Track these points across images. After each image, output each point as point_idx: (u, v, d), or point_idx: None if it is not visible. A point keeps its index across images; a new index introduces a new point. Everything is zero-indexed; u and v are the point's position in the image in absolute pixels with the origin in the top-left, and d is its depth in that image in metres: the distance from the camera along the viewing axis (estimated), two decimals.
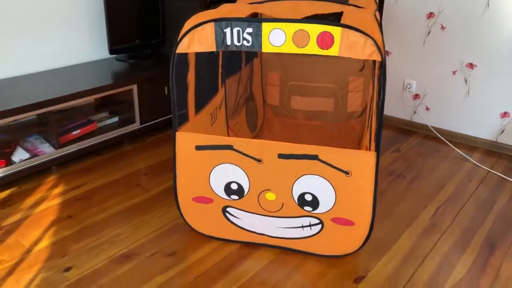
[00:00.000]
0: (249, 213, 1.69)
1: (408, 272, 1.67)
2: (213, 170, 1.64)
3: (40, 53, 2.57)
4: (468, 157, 2.57)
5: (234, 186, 1.65)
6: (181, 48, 1.50)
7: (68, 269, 1.64)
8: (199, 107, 1.86)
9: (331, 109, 2.66)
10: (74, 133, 2.39)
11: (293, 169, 1.56)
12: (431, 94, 2.83)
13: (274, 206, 1.64)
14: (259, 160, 1.58)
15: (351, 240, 1.64)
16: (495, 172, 2.41)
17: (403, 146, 2.73)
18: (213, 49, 1.46)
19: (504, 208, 2.09)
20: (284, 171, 1.57)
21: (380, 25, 1.62)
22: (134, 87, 2.54)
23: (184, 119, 1.71)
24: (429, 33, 2.73)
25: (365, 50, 1.35)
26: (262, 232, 1.72)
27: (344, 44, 1.37)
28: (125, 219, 1.94)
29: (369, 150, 1.70)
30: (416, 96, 2.90)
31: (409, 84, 2.90)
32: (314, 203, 1.60)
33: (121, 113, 2.66)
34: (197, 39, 1.47)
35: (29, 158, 2.19)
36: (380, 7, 2.78)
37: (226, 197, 1.68)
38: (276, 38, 1.40)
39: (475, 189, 2.25)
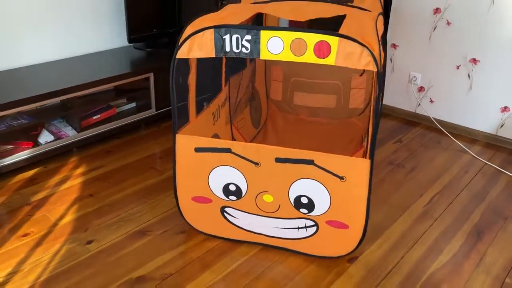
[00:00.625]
0: (246, 214, 1.74)
1: (398, 254, 1.82)
2: (212, 171, 1.69)
3: (62, 41, 2.73)
4: (467, 149, 2.68)
5: (232, 188, 1.69)
6: (181, 54, 1.53)
7: (89, 242, 1.82)
8: (201, 106, 1.91)
9: (333, 105, 2.73)
10: (94, 117, 2.57)
11: (290, 172, 1.60)
12: (435, 87, 2.93)
13: (271, 207, 1.69)
14: (256, 163, 1.62)
15: (345, 242, 1.69)
16: (492, 164, 2.52)
17: (406, 137, 2.84)
18: (212, 55, 1.50)
19: (496, 198, 2.21)
20: (281, 174, 1.61)
21: (385, 29, 1.65)
22: (151, 75, 2.70)
23: (184, 120, 1.77)
24: (435, 28, 2.82)
25: (361, 60, 1.38)
26: (259, 232, 1.77)
27: (341, 53, 1.39)
28: (141, 198, 2.11)
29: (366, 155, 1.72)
30: (421, 89, 3.01)
31: (415, 77, 3.00)
32: (310, 205, 1.64)
33: (138, 99, 2.82)
34: (197, 45, 1.50)
35: (53, 140, 2.37)
36: (388, 2, 2.86)
37: (225, 197, 1.72)
38: (274, 46, 1.44)
39: (471, 180, 2.37)
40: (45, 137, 2.38)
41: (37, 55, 2.64)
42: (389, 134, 2.88)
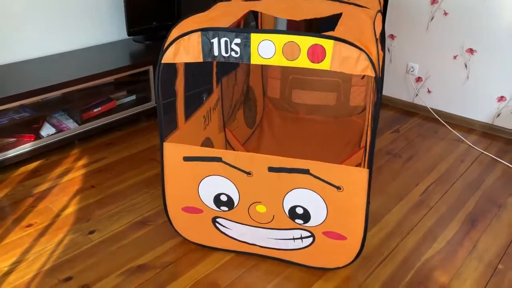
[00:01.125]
0: (239, 224, 1.66)
1: (394, 242, 1.86)
2: (202, 181, 1.61)
3: (62, 34, 2.76)
4: (464, 139, 2.71)
5: (223, 198, 1.62)
6: (166, 58, 1.44)
7: (92, 232, 1.87)
8: (191, 111, 1.83)
9: (333, 103, 2.69)
10: (95, 110, 2.60)
11: (284, 182, 1.53)
12: (433, 77, 2.95)
13: (265, 218, 1.62)
14: (248, 173, 1.54)
15: (343, 254, 1.63)
16: (488, 154, 2.55)
17: (403, 127, 2.87)
18: (200, 59, 1.40)
19: (491, 187, 2.25)
20: (275, 184, 1.54)
21: (382, 29, 1.60)
22: (150, 68, 2.72)
23: (173, 126, 1.69)
24: (432, 18, 2.83)
25: (358, 65, 1.29)
26: (253, 243, 1.71)
27: (336, 58, 1.30)
28: (141, 189, 2.15)
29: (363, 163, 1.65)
30: (419, 79, 3.03)
31: (412, 67, 3.02)
32: (305, 216, 1.57)
33: (138, 92, 2.85)
34: (183, 48, 1.41)
35: (55, 133, 2.41)
36: None
37: (216, 208, 1.65)
38: (266, 50, 1.35)
39: (467, 169, 2.40)
40: (47, 130, 2.42)
41: (37, 49, 2.67)
42: (387, 124, 2.90)
